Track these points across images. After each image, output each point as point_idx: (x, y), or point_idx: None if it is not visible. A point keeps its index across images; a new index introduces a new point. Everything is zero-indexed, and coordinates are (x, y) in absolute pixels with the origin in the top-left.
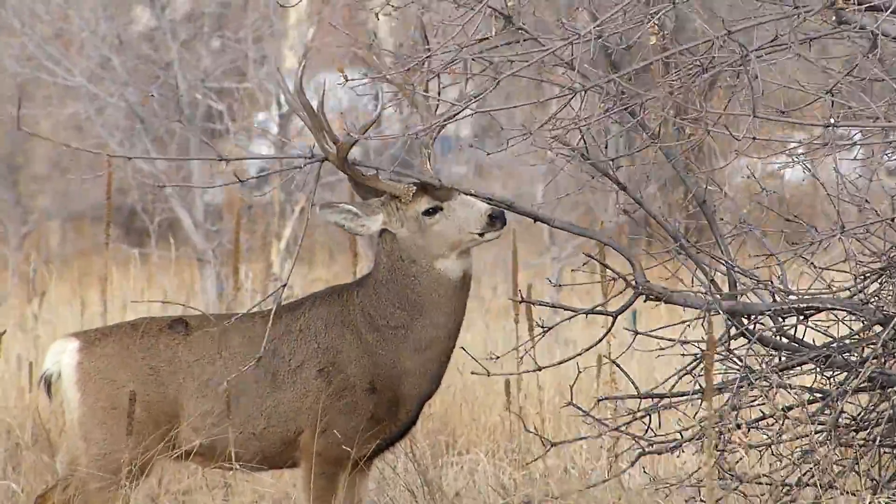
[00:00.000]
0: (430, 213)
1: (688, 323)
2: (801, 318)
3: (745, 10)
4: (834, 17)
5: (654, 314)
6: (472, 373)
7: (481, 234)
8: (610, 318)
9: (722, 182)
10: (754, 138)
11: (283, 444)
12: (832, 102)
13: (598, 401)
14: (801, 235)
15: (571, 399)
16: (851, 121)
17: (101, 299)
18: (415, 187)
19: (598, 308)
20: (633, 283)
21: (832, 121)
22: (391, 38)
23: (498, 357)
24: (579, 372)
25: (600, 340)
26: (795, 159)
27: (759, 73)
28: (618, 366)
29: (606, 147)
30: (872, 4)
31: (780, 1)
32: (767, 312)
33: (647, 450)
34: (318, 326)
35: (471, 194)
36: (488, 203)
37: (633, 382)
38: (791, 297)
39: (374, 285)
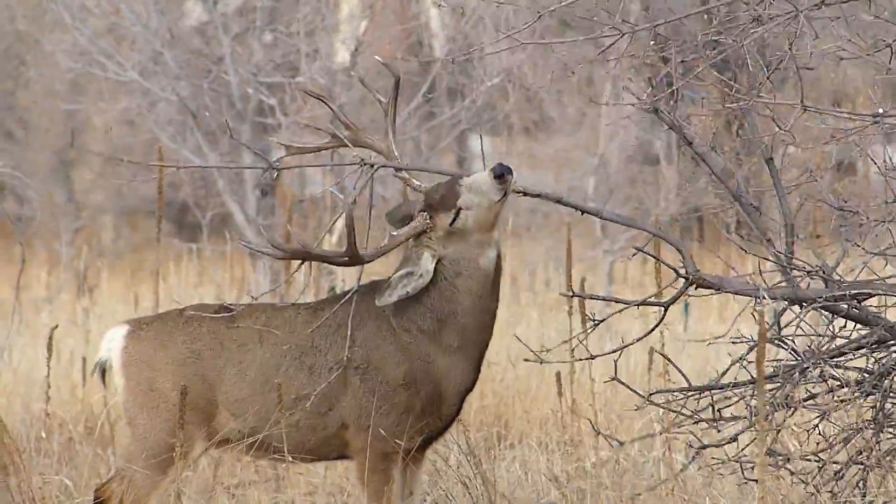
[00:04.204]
0: (454, 220)
1: (738, 314)
2: (855, 302)
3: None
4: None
5: (705, 307)
6: (525, 360)
7: (497, 201)
8: (662, 310)
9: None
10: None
11: (323, 436)
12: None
13: (650, 395)
14: (853, 225)
15: (625, 383)
16: None
17: (154, 294)
18: (426, 213)
19: (649, 299)
20: (685, 272)
21: (881, 110)
22: (443, 31)
23: (549, 350)
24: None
25: (651, 331)
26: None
27: (810, 50)
28: (669, 360)
29: (676, 101)
30: None
31: None
32: (820, 299)
33: (704, 444)
34: (354, 322)
35: (520, 192)
36: (500, 170)
37: (684, 376)
38: (844, 283)
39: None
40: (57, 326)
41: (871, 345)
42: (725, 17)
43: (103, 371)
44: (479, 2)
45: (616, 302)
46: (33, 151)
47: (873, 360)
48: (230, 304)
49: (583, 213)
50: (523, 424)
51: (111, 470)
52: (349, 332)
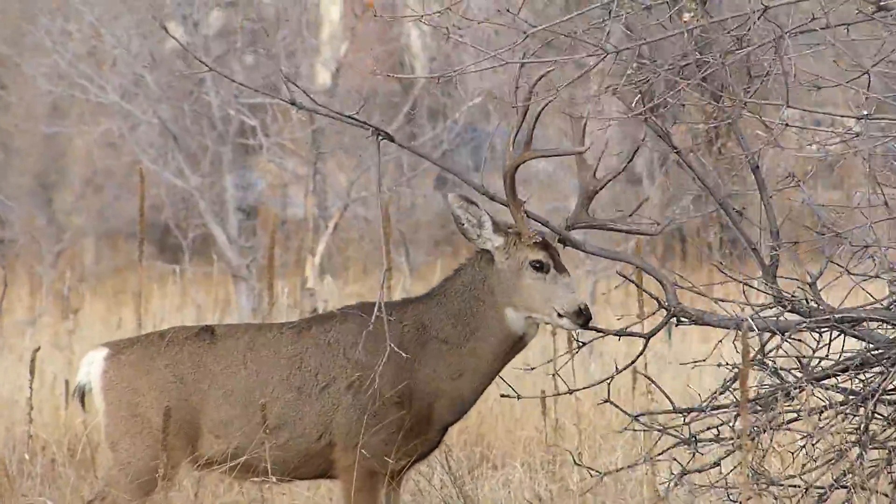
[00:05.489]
0: (537, 267)
1: (720, 340)
2: (838, 331)
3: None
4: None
5: (688, 326)
6: (503, 395)
7: (560, 316)
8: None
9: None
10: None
11: (308, 456)
12: (865, 97)
13: (635, 417)
14: (835, 244)
15: (617, 405)
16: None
17: (136, 316)
18: (539, 236)
19: (631, 329)
20: (667, 305)
21: (865, 112)
22: (423, 52)
23: (533, 368)
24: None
25: (632, 363)
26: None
27: (793, 61)
28: (653, 381)
29: (661, 109)
30: None
31: None
32: (803, 328)
33: (688, 469)
34: (347, 341)
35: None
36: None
37: (668, 398)
38: (827, 311)
39: (441, 296)
40: (39, 348)
41: (856, 367)
42: (707, 41)
43: (82, 394)
44: (461, 21)
45: (597, 331)
46: (14, 174)
47: (858, 381)
48: (211, 325)
49: (565, 245)
50: (507, 445)
51: (94, 492)
52: (343, 351)
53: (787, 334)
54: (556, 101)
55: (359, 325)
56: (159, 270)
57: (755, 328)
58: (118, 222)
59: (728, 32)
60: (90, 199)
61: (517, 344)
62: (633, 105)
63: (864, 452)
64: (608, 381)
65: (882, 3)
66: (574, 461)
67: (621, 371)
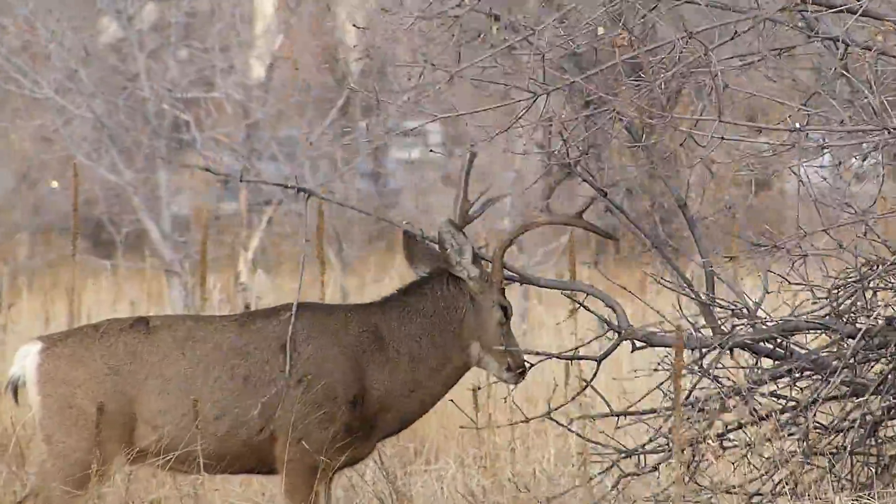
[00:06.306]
0: (503, 310)
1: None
2: (780, 341)
3: (713, 18)
4: (802, 25)
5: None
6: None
7: (508, 369)
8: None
9: (687, 191)
10: (722, 138)
11: (248, 447)
12: (804, 111)
13: (572, 420)
14: (768, 253)
15: (558, 420)
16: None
17: (70, 311)
18: (487, 277)
19: (579, 352)
20: (618, 327)
21: (798, 125)
22: (358, 44)
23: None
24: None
25: (585, 388)
26: (758, 166)
27: (725, 77)
28: (594, 388)
29: (587, 151)
30: (834, 5)
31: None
32: (746, 340)
33: (624, 471)
34: (299, 336)
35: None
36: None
37: (607, 404)
38: (768, 322)
39: (406, 309)
40: None
41: (794, 371)
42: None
43: (15, 388)
44: (394, 17)
45: (543, 355)
46: None
47: (797, 389)
48: (146, 317)
49: (521, 283)
50: (440, 440)
51: (26, 487)
52: (295, 346)
53: (726, 347)
54: (489, 97)
55: (319, 319)
56: (93, 265)
57: (700, 347)
58: (52, 217)
59: (660, 59)
60: (24, 194)
61: (463, 374)
62: (557, 151)
63: (804, 461)
64: (556, 409)
65: (813, 28)
66: (510, 481)
67: (574, 398)
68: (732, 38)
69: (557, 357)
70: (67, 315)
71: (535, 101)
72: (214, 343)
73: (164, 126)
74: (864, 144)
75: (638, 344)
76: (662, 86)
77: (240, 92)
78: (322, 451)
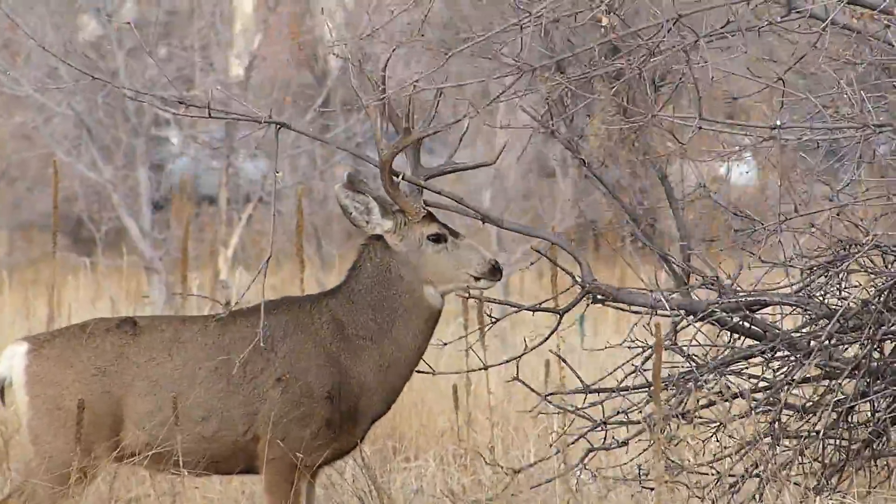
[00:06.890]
0: (435, 239)
1: (635, 324)
2: (748, 313)
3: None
4: (786, 2)
5: (601, 314)
6: (419, 371)
7: (476, 279)
8: (557, 318)
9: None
10: (701, 127)
11: (234, 448)
12: (781, 99)
13: (545, 396)
14: (749, 235)
15: (525, 382)
16: (796, 123)
17: (49, 309)
18: (424, 210)
19: (544, 305)
20: (581, 282)
21: (777, 122)
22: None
23: (446, 344)
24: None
25: (547, 338)
26: (740, 159)
27: (707, 67)
28: (563, 360)
29: (571, 121)
30: None
31: None
32: (714, 308)
33: (595, 446)
34: (276, 335)
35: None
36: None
37: (579, 378)
38: (739, 293)
39: (351, 293)
40: None
41: (767, 351)
42: (619, 49)
43: (2, 389)
44: (374, 15)
45: (511, 306)
46: None
47: (770, 370)
48: (132, 317)
49: (484, 221)
50: (420, 438)
51: (8, 486)
52: (271, 345)
53: (699, 314)
54: (469, 93)
55: (294, 316)
56: (73, 263)
57: (668, 307)
58: (32, 214)
59: (645, 41)
60: (4, 191)
61: (438, 316)
62: (541, 117)
63: (775, 443)
64: (518, 358)
65: (794, 5)
66: (486, 462)
67: (534, 348)
68: (720, 32)
69: (520, 308)
70: (48, 311)
71: (520, 77)
72: (201, 343)
73: (143, 123)
74: (843, 141)
75: (600, 298)
76: (642, 75)
77: (219, 90)
78: (302, 449)
